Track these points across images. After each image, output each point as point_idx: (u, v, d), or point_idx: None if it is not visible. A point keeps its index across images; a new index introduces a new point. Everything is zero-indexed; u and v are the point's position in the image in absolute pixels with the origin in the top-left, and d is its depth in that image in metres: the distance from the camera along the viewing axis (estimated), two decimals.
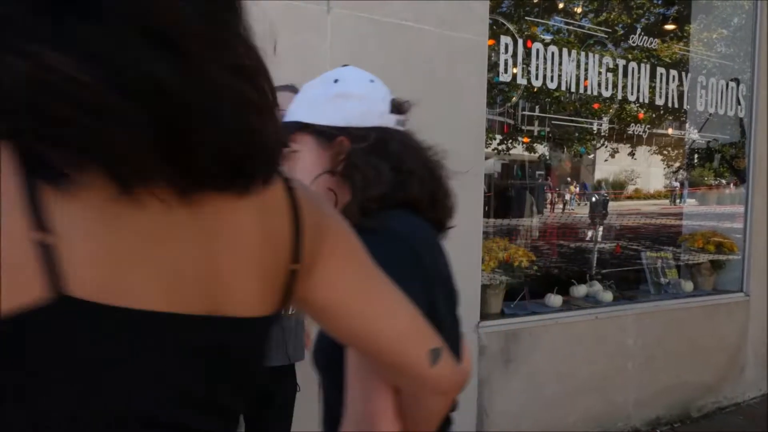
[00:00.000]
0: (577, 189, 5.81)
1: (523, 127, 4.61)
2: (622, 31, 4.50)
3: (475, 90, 3.26)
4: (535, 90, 3.96)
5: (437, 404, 0.93)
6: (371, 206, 1.01)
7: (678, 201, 5.78)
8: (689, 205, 5.58)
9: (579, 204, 5.78)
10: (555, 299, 3.90)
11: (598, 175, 5.99)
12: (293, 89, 2.20)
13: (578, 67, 3.92)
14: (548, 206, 5.73)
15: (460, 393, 0.93)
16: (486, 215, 3.43)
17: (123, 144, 0.48)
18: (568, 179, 5.72)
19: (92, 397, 0.50)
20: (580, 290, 4.17)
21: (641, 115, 4.50)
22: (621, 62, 4.14)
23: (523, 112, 4.49)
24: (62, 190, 0.47)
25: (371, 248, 0.77)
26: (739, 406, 4.63)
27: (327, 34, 2.74)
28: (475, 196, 3.30)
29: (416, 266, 0.98)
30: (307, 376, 2.54)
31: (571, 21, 4.23)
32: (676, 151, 5.64)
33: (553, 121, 4.50)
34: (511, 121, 4.55)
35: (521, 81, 3.75)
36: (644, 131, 4.48)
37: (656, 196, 6.18)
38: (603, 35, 4.28)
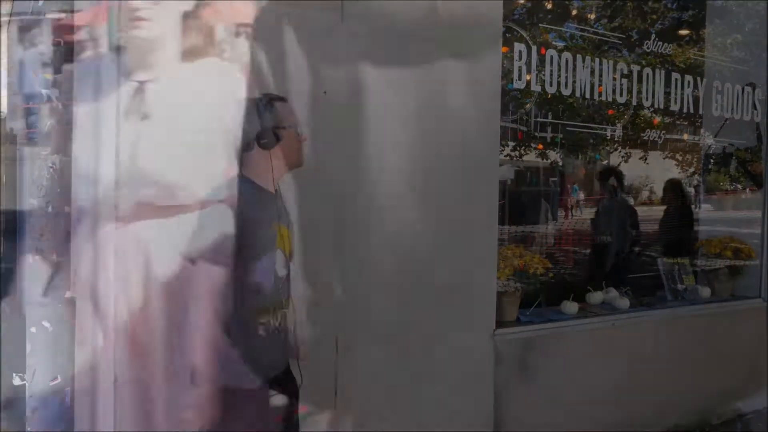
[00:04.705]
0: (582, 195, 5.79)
1: (537, 134, 4.60)
2: (636, 37, 4.48)
3: (488, 97, 3.26)
4: (549, 97, 3.96)
5: None
6: None
7: (693, 207, 5.74)
8: (705, 210, 5.54)
9: (588, 209, 5.76)
10: (571, 306, 3.87)
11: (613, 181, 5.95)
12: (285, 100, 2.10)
13: (592, 73, 3.91)
14: (562, 212, 5.71)
15: None
16: (500, 222, 3.41)
17: None
18: (575, 185, 5.70)
19: None
20: (596, 297, 4.13)
21: (656, 121, 4.48)
22: (635, 68, 4.12)
23: (537, 119, 4.48)
24: None
25: None
26: (759, 413, 4.57)
27: (340, 40, 2.75)
28: (490, 203, 3.29)
29: None
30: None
31: (585, 27, 4.23)
32: (691, 157, 5.61)
33: (567, 128, 4.49)
34: (525, 128, 4.54)
35: (535, 88, 3.74)
36: (659, 137, 4.46)
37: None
38: (617, 41, 4.27)
